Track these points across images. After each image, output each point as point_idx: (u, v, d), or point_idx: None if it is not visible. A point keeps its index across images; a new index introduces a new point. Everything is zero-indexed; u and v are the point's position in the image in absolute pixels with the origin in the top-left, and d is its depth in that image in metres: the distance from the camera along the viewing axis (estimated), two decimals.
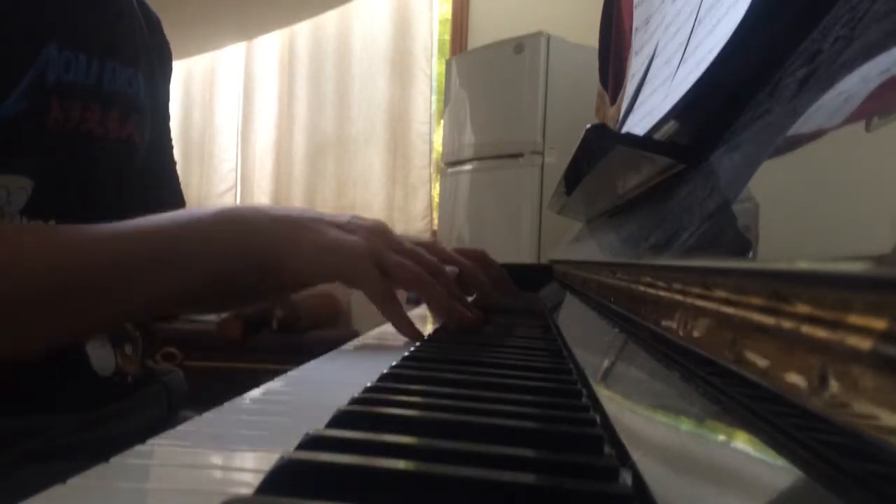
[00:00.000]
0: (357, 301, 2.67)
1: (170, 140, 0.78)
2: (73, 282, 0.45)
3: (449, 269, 0.63)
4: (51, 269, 0.45)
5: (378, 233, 0.56)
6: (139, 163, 0.66)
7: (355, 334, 0.63)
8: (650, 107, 0.55)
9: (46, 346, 0.49)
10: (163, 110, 0.74)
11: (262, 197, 3.00)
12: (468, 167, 2.34)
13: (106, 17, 0.61)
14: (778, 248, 0.19)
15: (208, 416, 0.29)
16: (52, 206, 0.55)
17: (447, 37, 2.93)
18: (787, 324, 0.15)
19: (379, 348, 0.54)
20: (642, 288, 0.32)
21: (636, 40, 0.79)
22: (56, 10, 0.55)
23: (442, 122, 2.56)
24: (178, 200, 0.80)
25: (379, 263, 0.53)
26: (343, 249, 0.51)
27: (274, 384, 0.37)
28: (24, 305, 0.44)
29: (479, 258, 0.70)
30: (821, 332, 0.13)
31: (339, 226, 0.54)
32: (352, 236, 0.53)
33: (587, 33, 1.76)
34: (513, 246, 2.12)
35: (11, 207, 0.52)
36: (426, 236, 2.76)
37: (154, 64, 0.70)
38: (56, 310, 0.45)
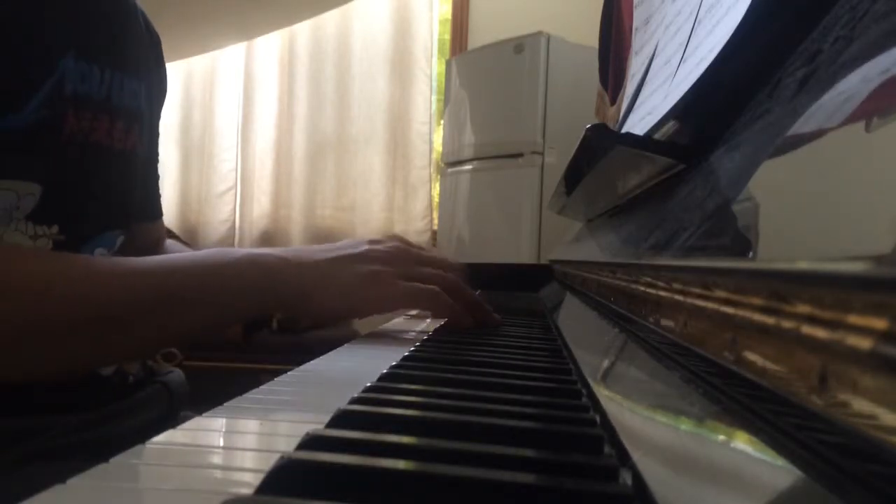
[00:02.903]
0: None
1: (157, 154, 0.79)
2: (113, 312, 0.47)
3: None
4: (91, 297, 0.46)
5: (398, 254, 0.58)
6: (139, 172, 0.68)
7: (355, 334, 0.63)
8: (650, 107, 0.55)
9: (82, 371, 0.50)
10: (155, 128, 0.76)
11: (262, 197, 2.99)
12: (468, 167, 2.33)
13: (117, 30, 0.62)
14: (778, 248, 0.19)
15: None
16: (58, 211, 0.56)
17: (447, 37, 2.93)
18: (787, 324, 0.15)
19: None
20: (642, 288, 0.32)
21: (636, 40, 0.79)
22: (73, 22, 0.56)
23: (442, 122, 2.56)
24: (158, 213, 0.82)
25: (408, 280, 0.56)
26: (375, 283, 0.54)
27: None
28: (63, 331, 0.45)
29: (443, 265, 0.68)
30: (821, 332, 0.13)
31: (360, 257, 0.56)
32: (375, 266, 0.55)
33: (587, 33, 1.76)
34: (513, 246, 2.11)
35: (19, 212, 0.53)
36: (426, 236, 2.75)
37: (153, 81, 0.71)
38: (95, 338, 0.47)
